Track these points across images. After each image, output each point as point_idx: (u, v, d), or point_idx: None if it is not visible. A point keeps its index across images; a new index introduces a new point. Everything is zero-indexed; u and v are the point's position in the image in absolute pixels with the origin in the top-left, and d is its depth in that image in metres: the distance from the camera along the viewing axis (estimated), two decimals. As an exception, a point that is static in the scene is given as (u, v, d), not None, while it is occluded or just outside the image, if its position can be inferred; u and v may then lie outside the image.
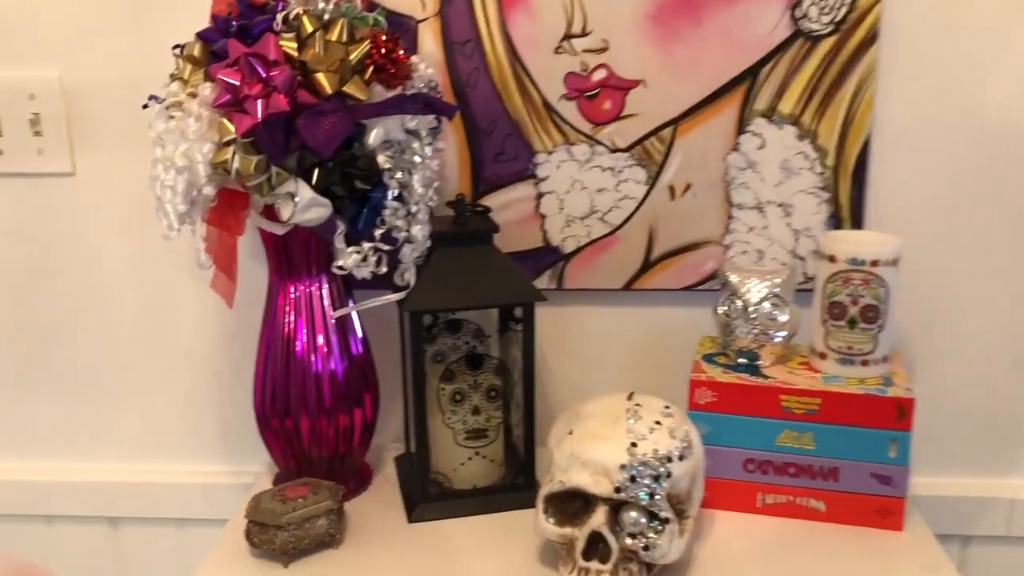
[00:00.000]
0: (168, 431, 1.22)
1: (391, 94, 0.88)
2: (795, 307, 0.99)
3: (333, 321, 0.97)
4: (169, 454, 1.23)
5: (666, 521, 0.81)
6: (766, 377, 0.96)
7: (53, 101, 1.10)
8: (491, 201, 1.08)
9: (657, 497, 0.81)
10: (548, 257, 1.10)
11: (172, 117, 0.85)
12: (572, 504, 0.85)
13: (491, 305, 0.98)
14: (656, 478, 0.81)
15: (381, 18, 0.90)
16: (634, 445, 0.82)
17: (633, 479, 0.81)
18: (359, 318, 1.01)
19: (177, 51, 0.90)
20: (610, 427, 0.84)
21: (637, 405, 0.86)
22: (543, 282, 1.11)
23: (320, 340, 0.97)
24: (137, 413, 1.21)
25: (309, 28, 0.85)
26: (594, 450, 0.82)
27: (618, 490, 0.81)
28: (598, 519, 0.82)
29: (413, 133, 0.91)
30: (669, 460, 0.82)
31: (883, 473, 0.93)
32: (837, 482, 0.94)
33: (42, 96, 1.10)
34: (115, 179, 1.13)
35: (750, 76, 1.03)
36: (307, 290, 0.97)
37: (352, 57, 0.86)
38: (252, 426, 1.05)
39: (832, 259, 0.95)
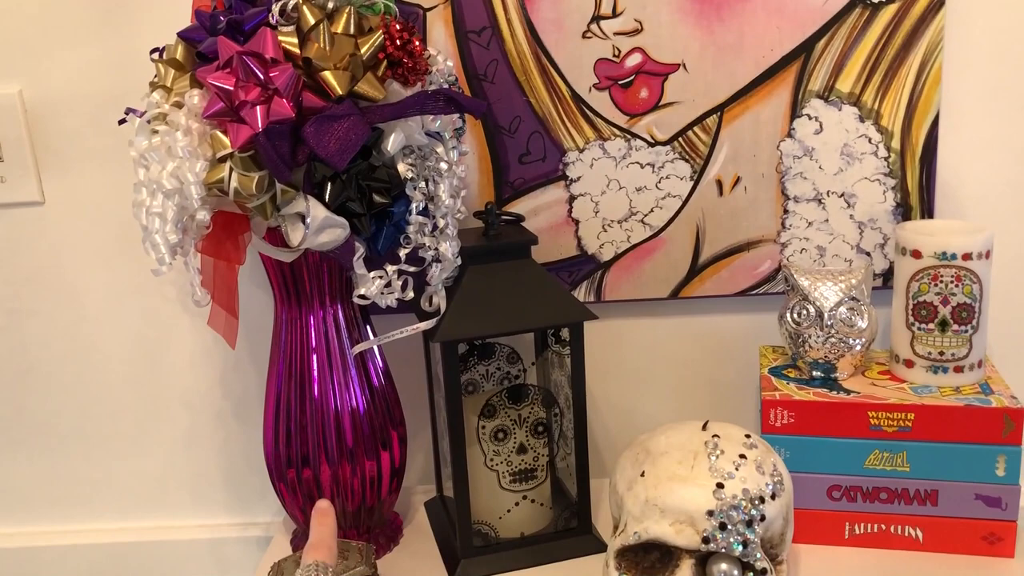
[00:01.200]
0: (166, 482, 1.09)
1: (409, 92, 0.76)
2: (873, 309, 0.87)
3: (352, 357, 0.85)
4: (168, 509, 1.10)
5: (763, 572, 0.70)
6: (848, 392, 0.85)
7: (14, 120, 0.97)
8: (518, 207, 0.97)
9: (751, 546, 0.69)
10: (584, 266, 0.98)
11: (156, 132, 0.72)
12: (648, 556, 0.73)
13: (534, 328, 0.87)
14: (749, 523, 0.70)
15: (392, 4, 0.78)
16: (720, 486, 0.70)
17: (723, 526, 0.69)
18: (379, 346, 0.88)
19: (156, 55, 0.78)
20: (689, 466, 0.72)
21: (715, 436, 0.74)
22: (580, 295, 0.99)
23: (338, 376, 0.85)
24: (129, 465, 1.08)
25: (311, 20, 0.72)
26: (674, 495, 0.71)
27: (706, 540, 0.69)
28: (684, 575, 0.70)
29: (435, 136, 0.79)
30: (761, 501, 0.71)
31: (990, 494, 0.82)
32: (936, 507, 0.83)
33: (1, 115, 0.97)
34: (90, 206, 1.00)
35: (803, 52, 0.92)
36: (321, 323, 0.84)
37: (363, 51, 0.73)
38: (259, 472, 0.93)
39: (916, 254, 0.84)
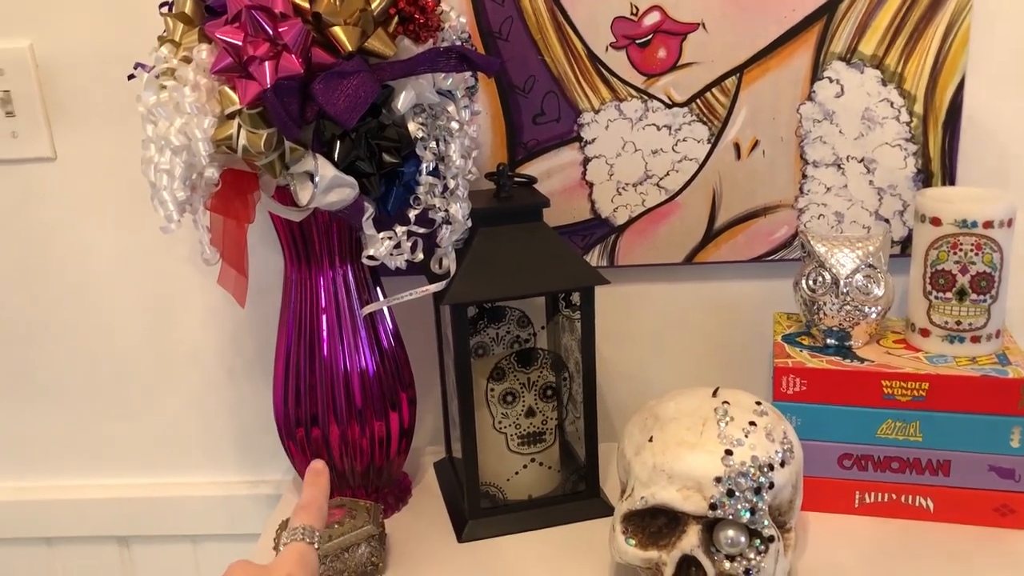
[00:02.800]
0: (177, 440, 1.10)
1: (420, 49, 0.75)
2: (890, 277, 0.86)
3: (362, 318, 0.84)
4: (180, 465, 1.11)
5: (770, 539, 0.69)
6: (862, 360, 0.84)
7: (25, 76, 0.96)
8: (531, 169, 0.95)
9: (759, 513, 0.69)
10: (598, 230, 0.97)
11: (164, 87, 0.71)
12: (654, 522, 0.73)
13: (545, 292, 0.86)
14: (757, 490, 0.69)
15: (404, -41, 0.76)
16: (729, 453, 0.70)
17: (731, 493, 0.69)
18: (389, 307, 0.88)
19: (165, 9, 0.77)
20: (698, 432, 0.72)
21: (725, 403, 0.74)
22: (593, 259, 0.98)
23: (347, 337, 0.85)
24: (142, 422, 1.09)
25: (321, -27, 0.71)
26: (682, 461, 0.70)
27: (713, 507, 0.69)
28: (690, 541, 0.70)
29: (446, 95, 0.78)
30: (770, 468, 0.70)
31: (1003, 465, 0.81)
32: (948, 477, 0.82)
33: (12, 71, 0.96)
34: (102, 162, 0.99)
35: (826, 13, 0.89)
36: (331, 283, 0.84)
37: (374, 6, 0.72)
38: (269, 430, 0.93)
39: (936, 222, 0.82)
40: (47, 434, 1.10)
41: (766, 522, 0.69)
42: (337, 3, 0.70)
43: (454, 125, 0.77)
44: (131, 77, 0.79)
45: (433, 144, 0.77)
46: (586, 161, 0.95)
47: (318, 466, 0.68)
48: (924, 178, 0.93)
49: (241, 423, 1.08)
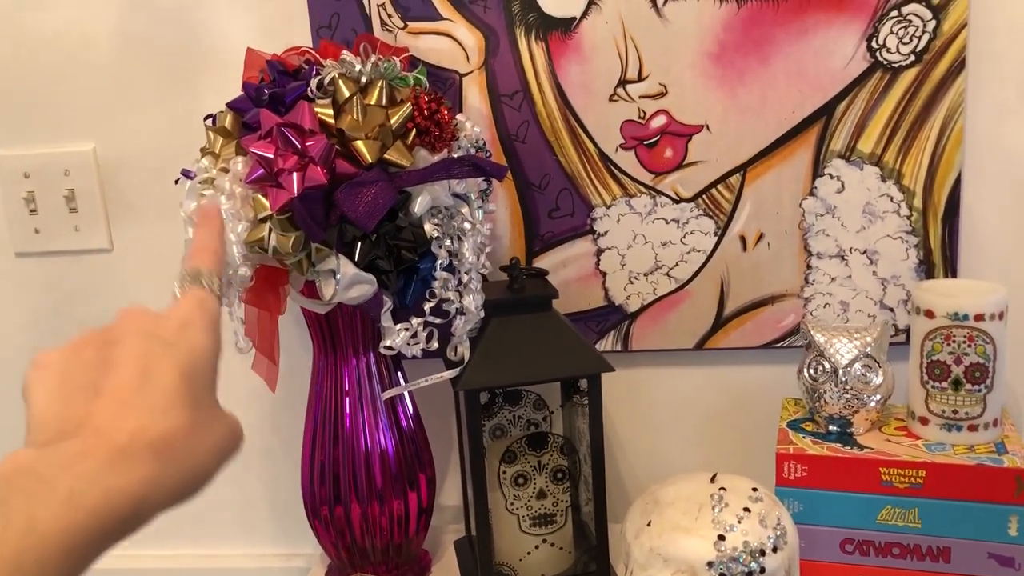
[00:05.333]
0: (215, 512, 1.16)
1: (436, 158, 0.82)
2: (889, 366, 0.89)
3: (383, 401, 0.90)
4: (216, 537, 1.17)
5: (762, 624, 0.72)
6: (862, 447, 0.86)
7: (88, 175, 1.06)
8: (548, 259, 1.01)
9: (750, 597, 0.72)
10: (612, 317, 1.02)
11: (203, 195, 0.79)
12: (653, 603, 0.76)
13: (553, 379, 0.91)
14: (748, 575, 0.72)
15: (423, 77, 0.84)
16: (721, 538, 0.73)
17: (722, 577, 0.72)
18: (410, 391, 0.94)
19: (209, 122, 0.85)
20: (693, 517, 0.75)
21: (722, 489, 0.77)
22: (607, 344, 1.03)
23: (368, 419, 0.91)
24: (184, 495, 1.15)
25: (346, 93, 0.79)
26: (676, 545, 0.74)
27: (706, 590, 0.72)
28: (685, 623, 0.73)
29: (461, 197, 0.85)
30: (762, 553, 0.73)
31: (1003, 554, 0.82)
32: (949, 563, 0.84)
33: (76, 171, 1.06)
34: (153, 254, 1.08)
35: (824, 114, 0.94)
36: (354, 369, 0.90)
37: (393, 121, 0.79)
38: (301, 505, 0.99)
39: (929, 314, 0.85)
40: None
41: (758, 606, 0.72)
42: (359, 120, 0.78)
43: (467, 225, 0.84)
44: (177, 181, 0.87)
45: (448, 242, 0.83)
46: (599, 252, 1.01)
47: (209, 208, 0.60)
48: (926, 269, 0.97)
49: (276, 497, 1.14)
